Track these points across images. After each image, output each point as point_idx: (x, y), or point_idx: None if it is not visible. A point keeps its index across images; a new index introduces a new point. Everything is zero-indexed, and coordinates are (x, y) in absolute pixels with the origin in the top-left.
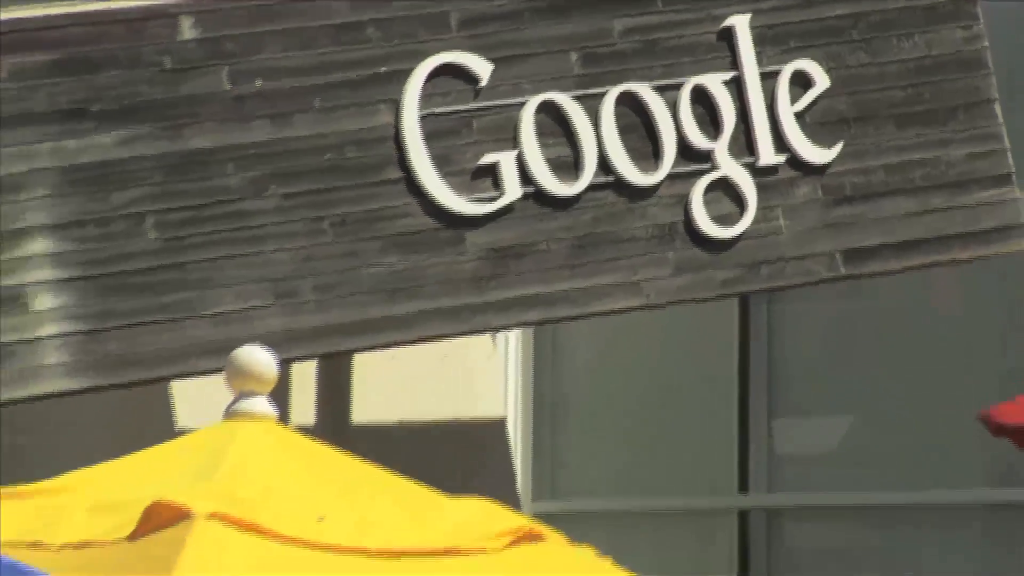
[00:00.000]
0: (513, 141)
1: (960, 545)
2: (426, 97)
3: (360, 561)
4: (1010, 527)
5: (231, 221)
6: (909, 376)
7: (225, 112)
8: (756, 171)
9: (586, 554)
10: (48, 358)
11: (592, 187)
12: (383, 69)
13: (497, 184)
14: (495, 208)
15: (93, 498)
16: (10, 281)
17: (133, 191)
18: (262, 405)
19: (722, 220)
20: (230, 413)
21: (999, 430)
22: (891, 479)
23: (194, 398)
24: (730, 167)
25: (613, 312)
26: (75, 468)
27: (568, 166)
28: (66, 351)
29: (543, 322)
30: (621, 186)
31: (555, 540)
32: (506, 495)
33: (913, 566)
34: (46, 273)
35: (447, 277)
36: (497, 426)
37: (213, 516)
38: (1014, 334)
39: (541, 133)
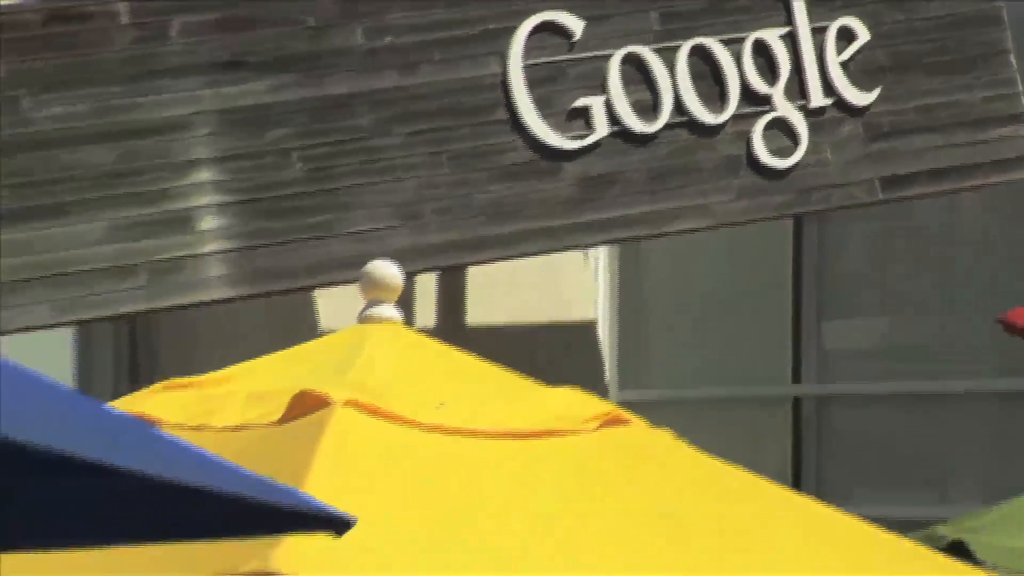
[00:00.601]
0: (602, 87)
1: (978, 426)
2: (528, 50)
3: (473, 441)
4: (1021, 411)
5: (363, 155)
6: (937, 284)
7: (359, 63)
8: (807, 112)
9: (665, 436)
10: (210, 271)
11: (668, 126)
12: (492, 26)
13: (588, 123)
14: (586, 143)
15: (248, 388)
16: (179, 205)
17: (281, 130)
18: (390, 311)
19: (778, 153)
20: (363, 317)
21: (1013, 330)
22: (922, 370)
23: (333, 305)
24: (785, 108)
25: (686, 231)
26: (233, 363)
27: (648, 108)
28: (225, 265)
29: (627, 240)
30: (693, 125)
31: (638, 424)
32: (596, 386)
33: (939, 444)
34: (209, 198)
35: (546, 202)
36: (588, 327)
37: (349, 403)
38: None
39: (625, 80)
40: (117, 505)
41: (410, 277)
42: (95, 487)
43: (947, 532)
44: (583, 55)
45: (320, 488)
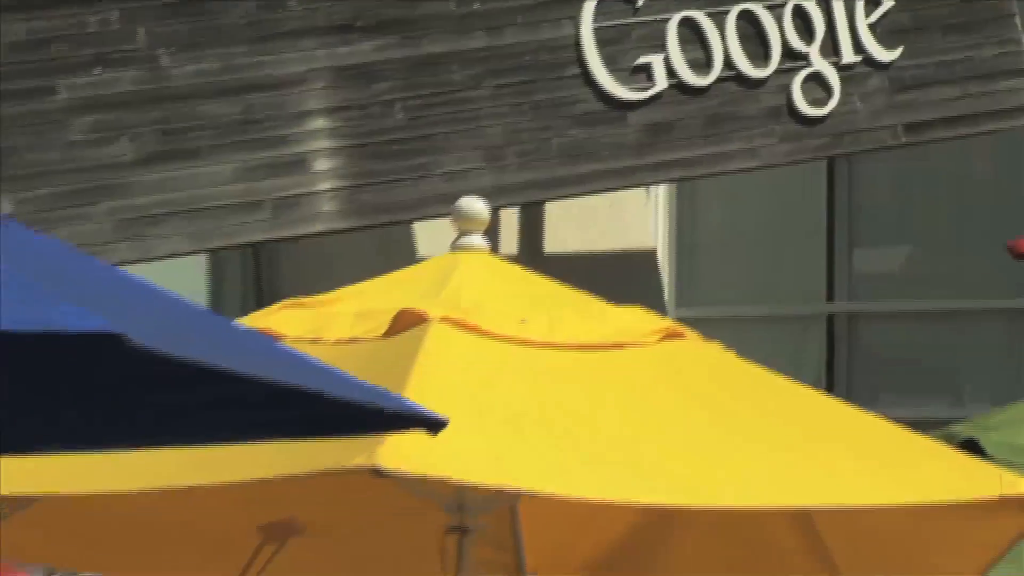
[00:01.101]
0: (662, 46)
1: (988, 339)
2: (597, 15)
3: (551, 352)
4: None
5: (456, 106)
6: (954, 214)
7: (452, 26)
8: (840, 67)
9: (716, 348)
10: (323, 206)
11: (719, 80)
12: None
13: (650, 78)
14: (649, 95)
15: (357, 307)
16: (296, 150)
17: (385, 84)
18: (478, 240)
19: (815, 103)
20: (455, 246)
21: (1019, 256)
22: (940, 290)
23: (429, 235)
24: (821, 64)
25: (735, 171)
26: (344, 286)
27: (701, 64)
28: (336, 201)
29: (683, 179)
30: (740, 79)
31: (693, 337)
32: (655, 304)
33: (954, 355)
34: (322, 144)
35: (613, 146)
36: (649, 253)
37: (444, 319)
38: None
39: (682, 40)
40: (239, 408)
41: (495, 211)
42: (221, 392)
43: (961, 431)
44: (645, 19)
45: (418, 393)
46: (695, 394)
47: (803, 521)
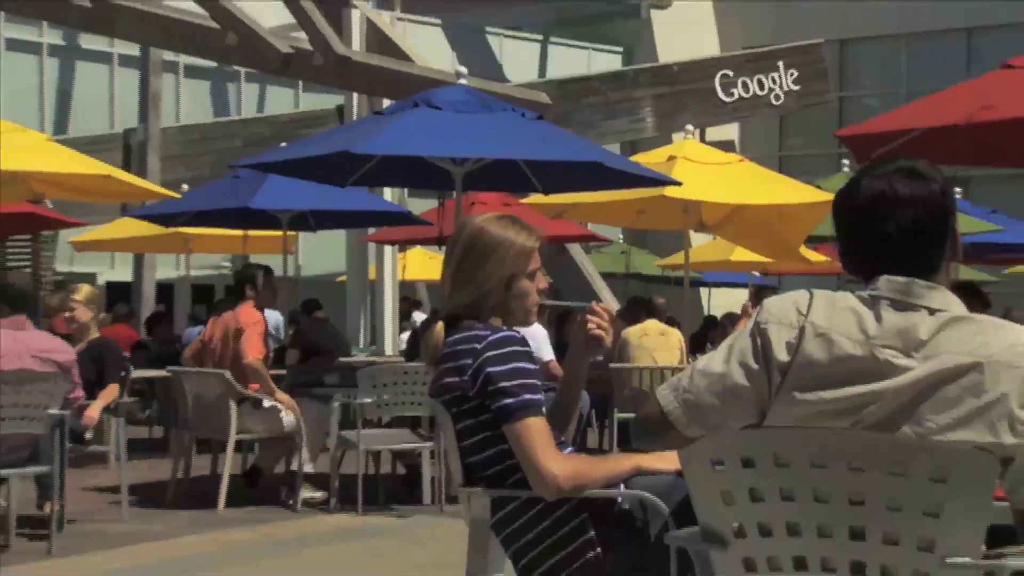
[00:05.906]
0: (735, 84)
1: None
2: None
3: (721, 166)
4: None
5: (705, 100)
6: None
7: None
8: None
9: (768, 171)
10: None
11: (755, 95)
12: None
13: (732, 94)
14: (730, 100)
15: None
16: None
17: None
18: (692, 137)
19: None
20: (686, 138)
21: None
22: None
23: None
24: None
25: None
26: None
27: (753, 89)
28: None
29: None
30: (755, 96)
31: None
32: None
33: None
34: None
35: (718, 111)
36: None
37: (683, 158)
38: None
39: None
40: (600, 171)
41: (695, 130)
42: (591, 171)
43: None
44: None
45: (676, 175)
46: (761, 178)
47: (777, 209)
